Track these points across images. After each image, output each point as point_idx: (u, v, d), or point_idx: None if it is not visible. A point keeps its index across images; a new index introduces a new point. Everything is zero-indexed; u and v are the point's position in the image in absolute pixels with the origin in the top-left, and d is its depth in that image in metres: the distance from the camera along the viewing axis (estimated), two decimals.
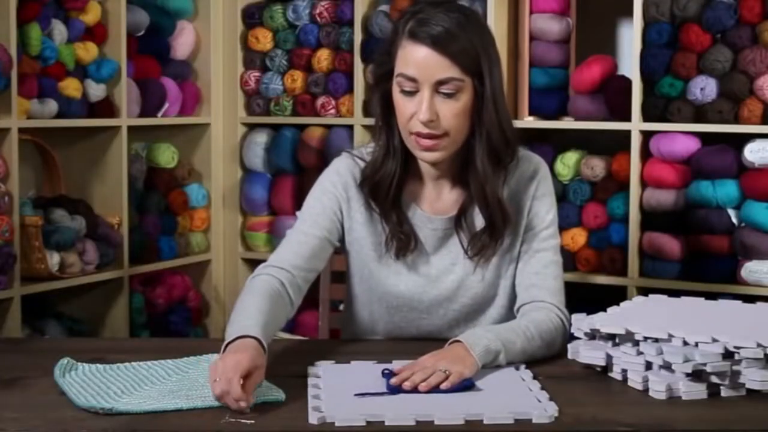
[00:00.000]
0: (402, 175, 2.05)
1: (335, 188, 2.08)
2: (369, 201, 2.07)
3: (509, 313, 2.08)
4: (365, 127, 3.49)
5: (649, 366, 1.76)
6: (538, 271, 2.05)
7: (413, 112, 1.94)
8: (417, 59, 1.93)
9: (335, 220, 2.08)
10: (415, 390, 1.70)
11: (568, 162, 3.32)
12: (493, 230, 2.03)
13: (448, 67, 1.92)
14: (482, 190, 2.00)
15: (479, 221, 2.05)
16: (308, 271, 2.02)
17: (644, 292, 2.94)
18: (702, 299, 2.08)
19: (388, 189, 2.04)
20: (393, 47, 1.98)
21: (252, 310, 1.84)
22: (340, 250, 2.14)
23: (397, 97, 1.97)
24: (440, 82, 1.92)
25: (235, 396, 1.60)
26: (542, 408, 1.61)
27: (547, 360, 1.93)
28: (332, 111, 3.65)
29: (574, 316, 1.91)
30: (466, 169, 2.04)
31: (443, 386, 1.70)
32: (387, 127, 2.04)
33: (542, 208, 2.07)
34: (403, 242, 2.05)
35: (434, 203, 2.08)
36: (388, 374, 1.74)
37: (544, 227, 2.07)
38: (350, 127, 3.59)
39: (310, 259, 2.02)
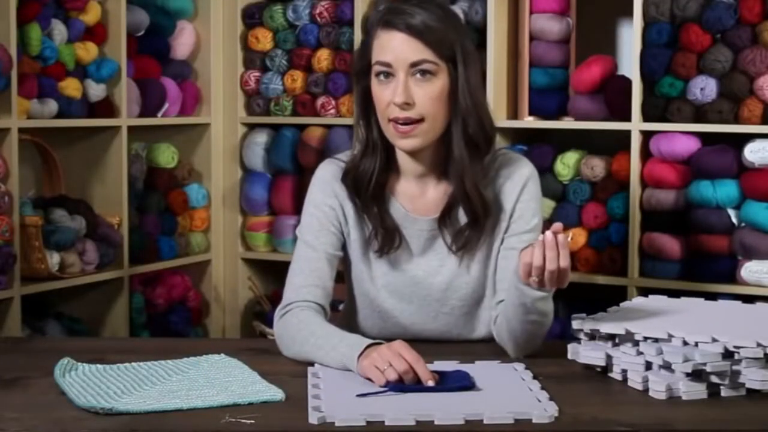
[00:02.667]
0: (383, 170, 2.08)
1: (326, 197, 2.11)
2: (353, 198, 2.09)
3: None
4: None
5: (649, 366, 1.76)
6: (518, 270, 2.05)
7: (390, 98, 1.99)
8: (391, 45, 1.99)
9: (335, 232, 2.10)
10: (415, 389, 1.71)
11: (568, 162, 3.32)
12: (476, 224, 2.05)
13: (422, 50, 1.98)
14: (461, 180, 2.03)
15: (463, 218, 2.06)
16: (327, 295, 2.08)
17: (644, 292, 2.94)
18: (702, 299, 2.08)
19: (368, 184, 2.06)
20: (369, 39, 2.04)
21: (335, 330, 1.94)
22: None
23: (375, 87, 2.02)
24: (414, 64, 1.98)
25: (411, 358, 1.73)
26: (542, 408, 1.62)
27: (547, 360, 1.93)
28: (332, 111, 3.65)
29: (574, 317, 1.91)
30: (447, 164, 2.05)
31: None
32: (366, 122, 2.08)
33: (527, 212, 2.08)
34: (386, 237, 2.07)
35: (417, 201, 2.09)
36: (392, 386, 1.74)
37: (527, 230, 2.07)
38: (350, 127, 3.58)
39: (325, 282, 2.07)
